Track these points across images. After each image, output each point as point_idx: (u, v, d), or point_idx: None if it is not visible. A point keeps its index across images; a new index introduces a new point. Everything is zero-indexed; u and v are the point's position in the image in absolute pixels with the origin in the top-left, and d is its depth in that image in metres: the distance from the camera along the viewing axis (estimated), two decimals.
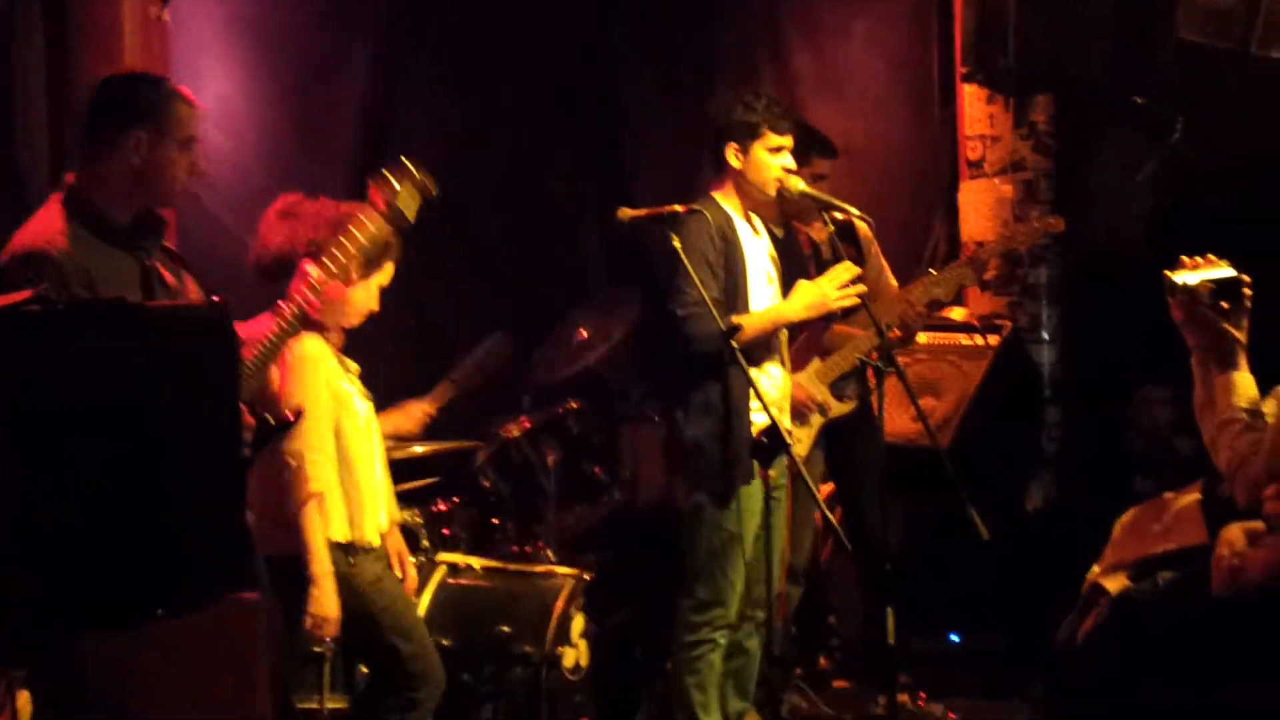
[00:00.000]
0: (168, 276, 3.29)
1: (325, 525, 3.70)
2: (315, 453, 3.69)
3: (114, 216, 3.23)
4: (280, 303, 3.32)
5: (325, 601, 3.67)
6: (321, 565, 3.67)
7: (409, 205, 3.35)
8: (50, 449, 2.45)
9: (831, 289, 4.25)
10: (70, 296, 2.79)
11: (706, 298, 4.03)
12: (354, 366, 3.95)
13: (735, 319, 4.15)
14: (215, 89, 5.86)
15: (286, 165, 6.07)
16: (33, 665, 2.61)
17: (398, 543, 4.06)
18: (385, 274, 3.87)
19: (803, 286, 4.29)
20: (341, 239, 3.31)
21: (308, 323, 3.48)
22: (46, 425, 2.45)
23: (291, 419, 3.14)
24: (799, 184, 4.32)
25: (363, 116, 6.21)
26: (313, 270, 3.33)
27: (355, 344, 4.54)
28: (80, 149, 3.26)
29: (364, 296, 3.84)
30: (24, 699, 2.83)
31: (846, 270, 4.26)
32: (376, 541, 3.86)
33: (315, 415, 3.68)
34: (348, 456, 3.78)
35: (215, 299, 3.48)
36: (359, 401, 3.86)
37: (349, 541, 3.77)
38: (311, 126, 6.10)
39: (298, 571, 3.66)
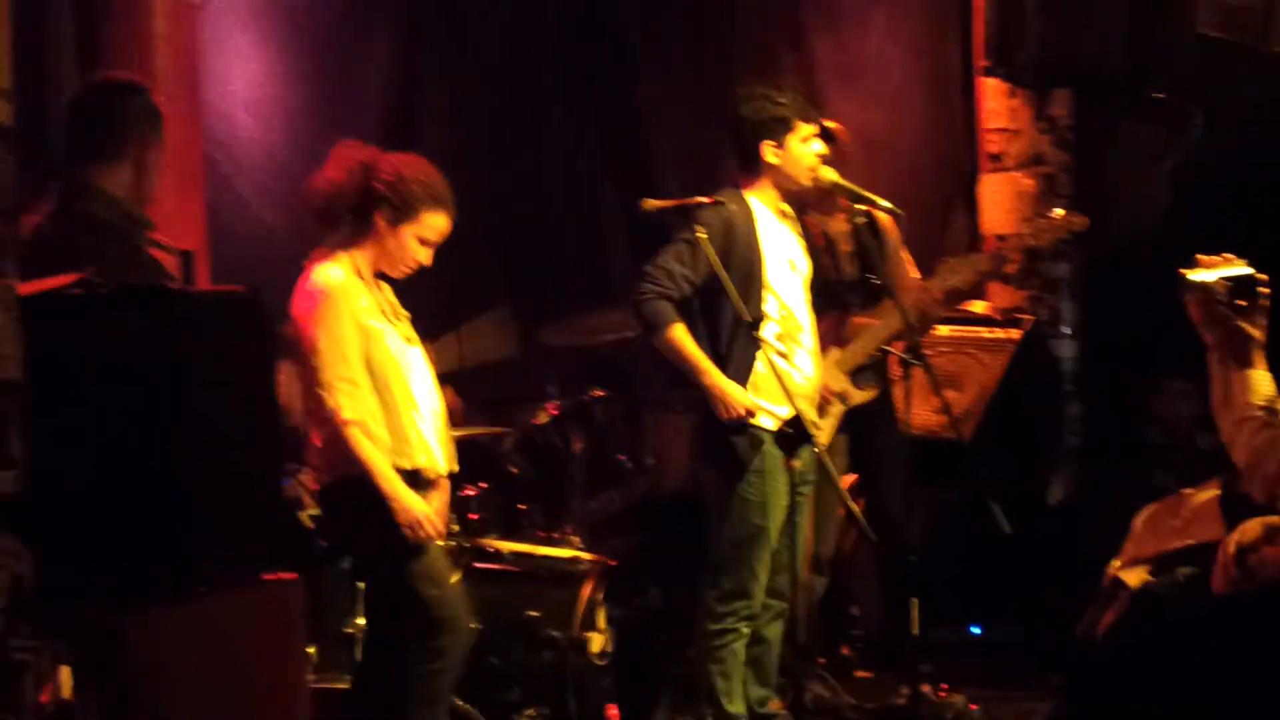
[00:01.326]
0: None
1: (378, 447, 3.69)
2: (344, 382, 3.68)
3: (140, 211, 3.34)
4: None
5: (408, 504, 3.67)
6: (387, 479, 3.67)
7: None
8: (94, 430, 2.51)
9: (741, 402, 4.22)
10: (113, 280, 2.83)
11: (689, 277, 4.13)
12: (403, 313, 3.94)
13: (671, 329, 4.21)
14: (243, 71, 5.90)
15: (313, 146, 6.10)
16: (75, 639, 2.66)
17: (440, 501, 3.94)
18: (423, 227, 3.84)
19: (730, 389, 4.24)
20: None
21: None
22: (90, 406, 2.51)
23: None
24: (831, 174, 4.36)
25: (388, 98, 6.23)
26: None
27: None
28: (84, 154, 3.36)
29: (398, 246, 3.84)
30: (65, 672, 2.88)
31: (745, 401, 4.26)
32: (426, 468, 3.81)
33: (340, 346, 3.68)
34: (386, 391, 3.75)
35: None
36: (396, 341, 3.82)
37: (398, 469, 3.74)
38: (338, 108, 6.12)
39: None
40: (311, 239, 5.21)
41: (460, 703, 4.38)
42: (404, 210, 3.79)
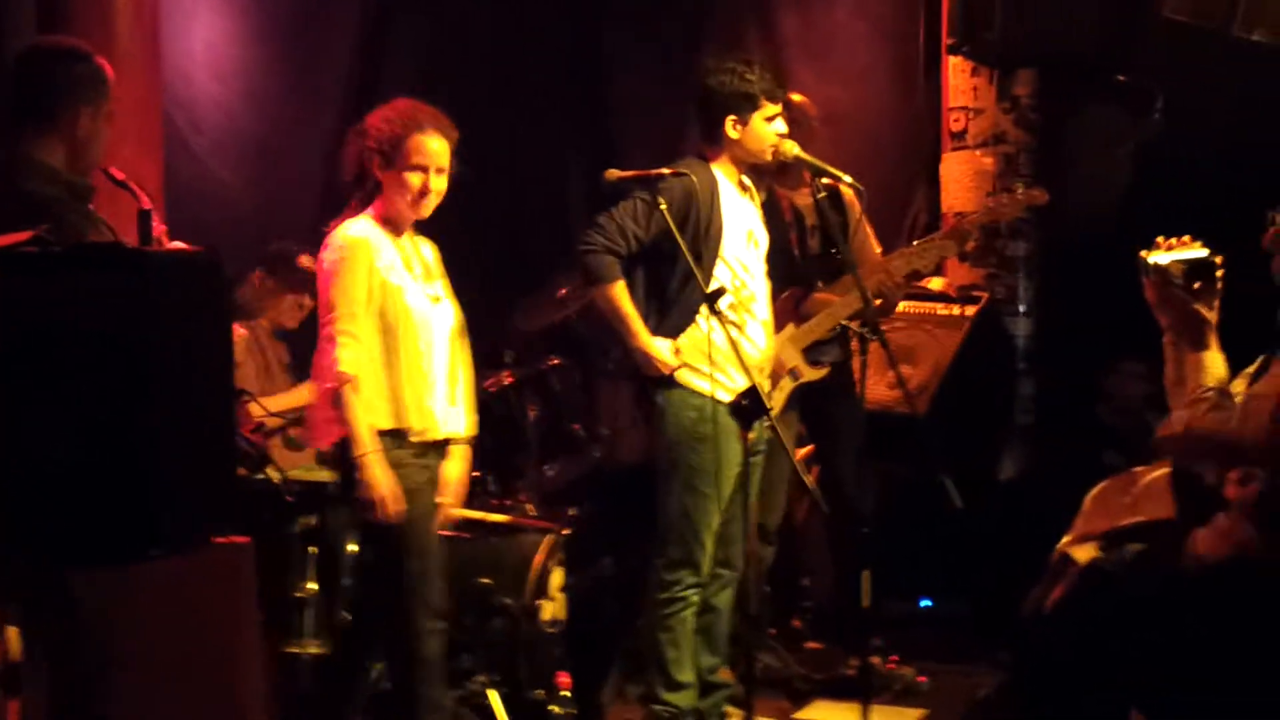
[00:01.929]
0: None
1: (364, 409, 3.68)
2: (348, 336, 3.69)
3: (77, 178, 3.27)
4: None
5: (373, 481, 3.65)
6: (362, 446, 3.65)
7: None
8: (44, 387, 2.48)
9: (668, 362, 4.26)
10: (67, 238, 2.80)
11: (637, 234, 4.17)
12: (437, 271, 3.94)
13: (612, 285, 4.24)
14: (204, 34, 5.86)
15: (275, 110, 6.08)
16: (24, 600, 2.65)
17: (456, 469, 3.95)
18: (411, 157, 3.80)
19: (656, 351, 4.28)
20: None
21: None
22: (41, 363, 2.48)
23: None
24: (794, 149, 4.37)
25: (352, 62, 6.20)
26: None
27: None
28: (17, 121, 3.27)
29: (398, 185, 3.82)
30: (13, 634, 2.86)
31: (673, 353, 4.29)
32: (426, 434, 3.79)
33: (348, 300, 3.70)
34: (393, 347, 3.75)
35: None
36: (418, 298, 3.82)
37: (392, 429, 3.73)
38: (301, 71, 6.10)
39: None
40: (270, 200, 5.19)
41: None
42: (390, 152, 3.80)
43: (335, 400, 3.68)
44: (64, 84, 3.26)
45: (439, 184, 3.84)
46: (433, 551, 3.83)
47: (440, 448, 3.89)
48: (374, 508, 3.67)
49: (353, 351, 3.69)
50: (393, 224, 3.87)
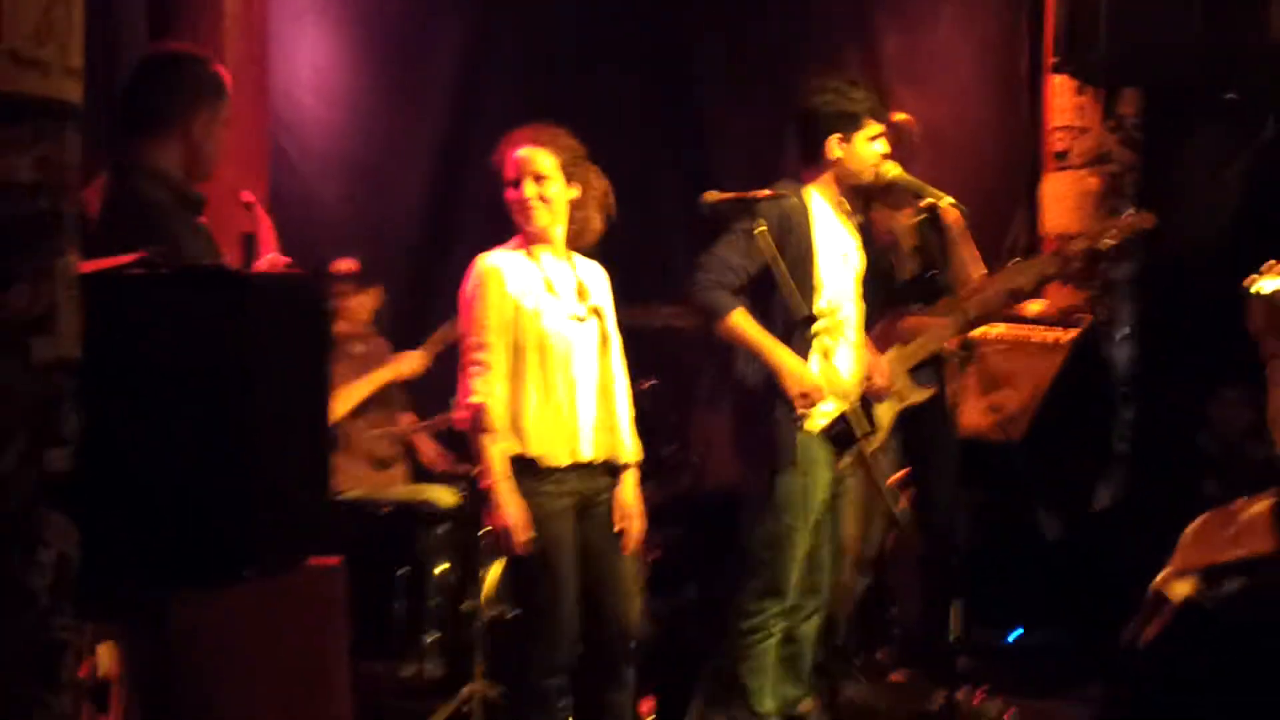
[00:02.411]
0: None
1: (498, 436, 3.73)
2: (480, 366, 3.77)
3: (189, 187, 3.28)
4: None
5: (500, 512, 3.69)
6: (489, 475, 3.71)
7: None
8: (145, 409, 2.52)
9: (813, 381, 4.17)
10: (176, 260, 2.84)
11: (746, 268, 4.10)
12: (589, 291, 3.95)
13: (731, 316, 4.17)
14: (311, 58, 5.94)
15: (380, 133, 6.16)
16: (118, 620, 2.69)
17: (626, 493, 3.94)
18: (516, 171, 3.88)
19: (800, 368, 4.19)
20: None
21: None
22: (143, 385, 2.52)
23: None
24: (895, 169, 4.33)
25: (452, 91, 6.26)
26: None
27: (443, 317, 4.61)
28: (131, 128, 3.29)
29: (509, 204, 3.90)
30: (104, 650, 2.91)
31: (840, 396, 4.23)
32: (556, 460, 3.80)
33: (480, 329, 3.78)
34: (523, 373, 3.79)
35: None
36: (557, 320, 3.84)
37: (522, 456, 3.77)
38: (402, 99, 6.17)
39: None
40: (374, 222, 5.24)
41: (496, 693, 4.40)
42: (497, 175, 3.89)
43: (466, 427, 3.78)
44: (179, 86, 3.26)
45: (533, 190, 3.85)
46: (563, 580, 3.80)
47: (592, 471, 3.88)
48: (503, 537, 3.71)
49: (484, 380, 3.75)
50: (531, 245, 3.91)
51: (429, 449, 5.33)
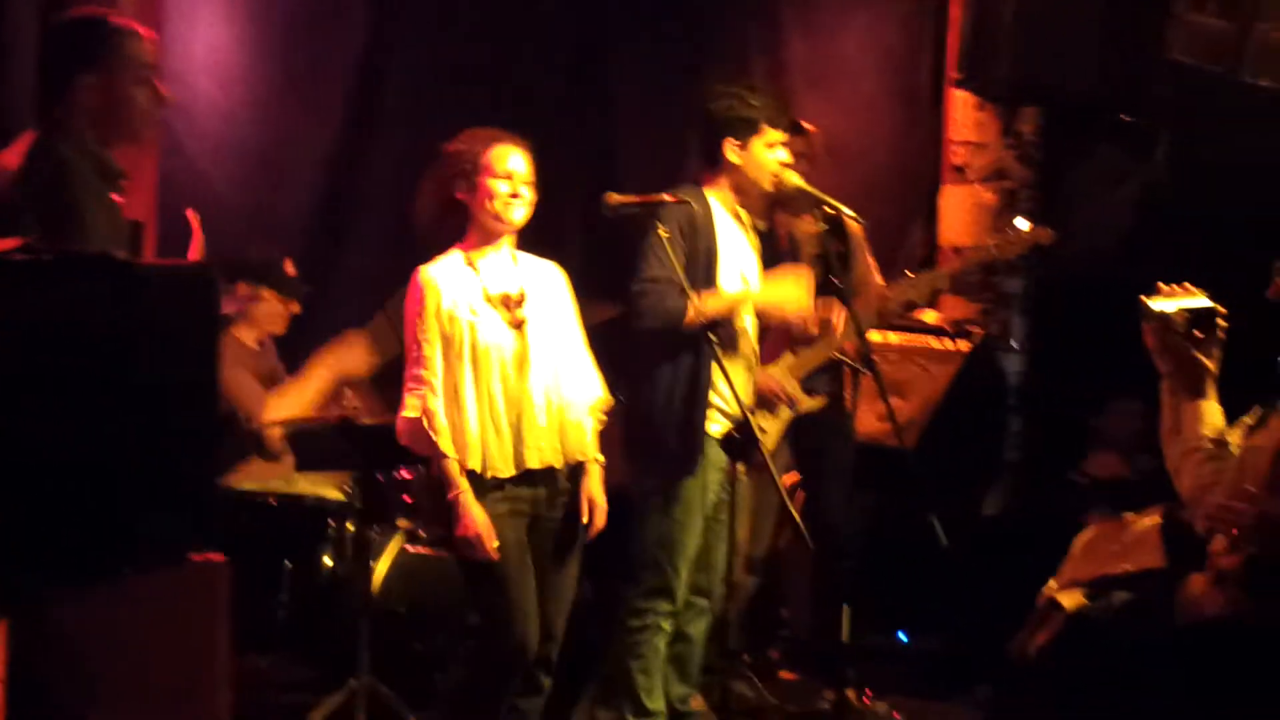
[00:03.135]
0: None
1: (449, 448, 3.71)
2: (420, 383, 3.74)
3: (105, 154, 3.22)
4: None
5: (466, 521, 3.68)
6: (452, 487, 3.69)
7: None
8: (22, 399, 2.43)
9: (802, 300, 4.23)
10: (55, 245, 2.75)
11: (674, 277, 4.03)
12: (515, 293, 3.89)
13: (691, 304, 4.12)
14: (207, 37, 5.82)
15: (277, 115, 6.04)
16: (1, 617, 2.60)
17: (592, 487, 3.94)
18: (490, 170, 3.84)
19: (778, 283, 4.26)
20: None
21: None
22: (20, 374, 2.44)
23: None
24: (795, 179, 4.33)
25: (354, 69, 6.16)
26: None
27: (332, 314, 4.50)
28: (40, 98, 3.27)
29: (484, 200, 3.85)
30: None
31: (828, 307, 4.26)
32: (494, 474, 3.78)
33: (419, 344, 3.75)
34: (461, 386, 3.76)
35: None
36: (493, 330, 3.81)
37: (469, 468, 3.74)
38: (303, 77, 6.06)
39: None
40: (264, 209, 5.13)
41: (381, 687, 4.36)
42: (470, 171, 3.83)
43: (414, 439, 3.75)
44: (74, 50, 3.21)
45: (528, 193, 3.86)
46: (509, 593, 3.79)
47: (543, 478, 3.85)
48: (471, 547, 3.69)
49: (420, 397, 3.73)
50: (482, 249, 3.87)
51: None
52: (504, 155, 3.85)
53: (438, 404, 3.73)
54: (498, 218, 3.84)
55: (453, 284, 3.81)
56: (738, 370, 4.32)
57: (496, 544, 3.71)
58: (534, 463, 3.83)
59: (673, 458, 4.22)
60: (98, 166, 3.17)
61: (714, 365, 4.09)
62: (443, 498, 3.71)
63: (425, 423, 3.71)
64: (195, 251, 3.38)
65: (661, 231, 4.03)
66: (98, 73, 3.19)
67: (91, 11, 3.40)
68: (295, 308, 5.18)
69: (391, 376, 4.25)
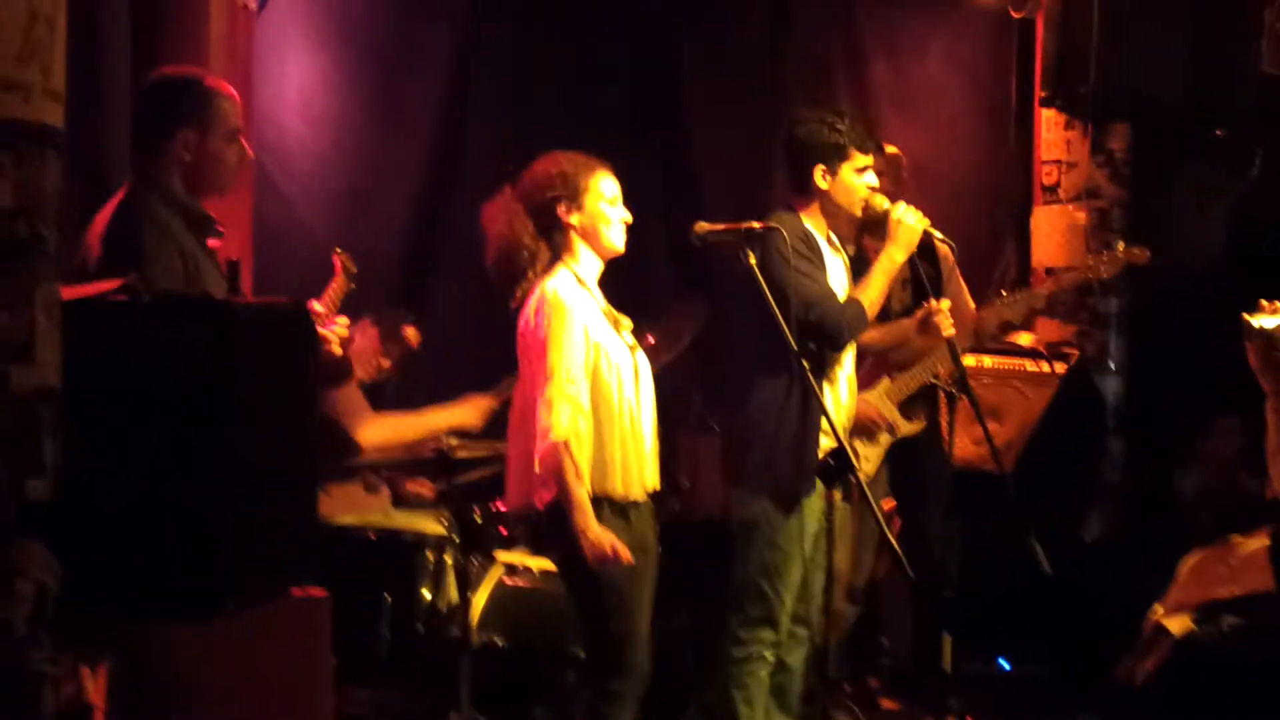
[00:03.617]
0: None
1: (579, 474, 3.66)
2: (566, 400, 3.65)
3: (194, 204, 3.33)
4: None
5: (595, 537, 3.63)
6: (579, 508, 3.63)
7: None
8: (126, 438, 2.48)
9: (912, 215, 4.22)
10: (156, 288, 2.81)
11: (828, 289, 4.06)
12: (625, 321, 3.92)
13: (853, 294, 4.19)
14: (298, 79, 5.92)
15: (365, 156, 6.13)
16: (99, 651, 2.64)
17: (643, 523, 3.91)
18: (597, 192, 3.84)
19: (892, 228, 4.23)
20: None
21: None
22: (124, 414, 2.48)
23: None
24: (884, 203, 4.31)
25: (441, 110, 6.24)
26: None
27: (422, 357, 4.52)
28: (133, 152, 3.42)
29: (595, 231, 3.85)
30: (86, 676, 2.86)
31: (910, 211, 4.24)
32: (631, 496, 3.78)
33: (568, 361, 3.67)
34: (600, 406, 3.73)
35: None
36: (619, 353, 3.80)
37: (594, 495, 3.71)
38: (391, 119, 6.14)
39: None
40: (356, 247, 5.17)
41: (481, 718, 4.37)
42: (576, 192, 3.81)
43: (548, 462, 3.66)
44: (167, 108, 3.34)
45: (628, 217, 3.89)
46: (642, 614, 3.81)
47: (642, 505, 3.86)
48: (603, 562, 3.66)
49: (571, 417, 3.66)
50: (589, 274, 3.87)
51: (414, 483, 5.27)
52: (609, 180, 3.87)
53: (582, 427, 3.69)
54: (609, 241, 3.86)
55: (585, 304, 3.78)
56: (835, 395, 4.30)
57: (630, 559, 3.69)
58: (652, 486, 3.86)
59: (787, 481, 4.17)
60: (186, 215, 3.28)
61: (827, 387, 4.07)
62: (566, 521, 3.66)
63: (572, 444, 3.65)
64: (334, 292, 3.44)
65: (750, 257, 3.98)
66: (193, 130, 3.32)
67: (188, 71, 3.55)
68: (387, 364, 5.21)
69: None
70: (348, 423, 4.70)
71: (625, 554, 3.67)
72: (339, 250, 3.99)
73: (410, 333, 5.17)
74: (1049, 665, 5.54)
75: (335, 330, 3.69)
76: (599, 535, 3.66)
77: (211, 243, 3.37)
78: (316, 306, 3.71)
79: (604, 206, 3.85)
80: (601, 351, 3.75)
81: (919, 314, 4.42)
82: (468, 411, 4.58)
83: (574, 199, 3.82)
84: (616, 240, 3.88)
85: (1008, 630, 5.58)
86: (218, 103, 3.37)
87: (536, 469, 3.69)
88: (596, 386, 3.73)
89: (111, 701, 2.68)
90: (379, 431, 4.83)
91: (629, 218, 3.90)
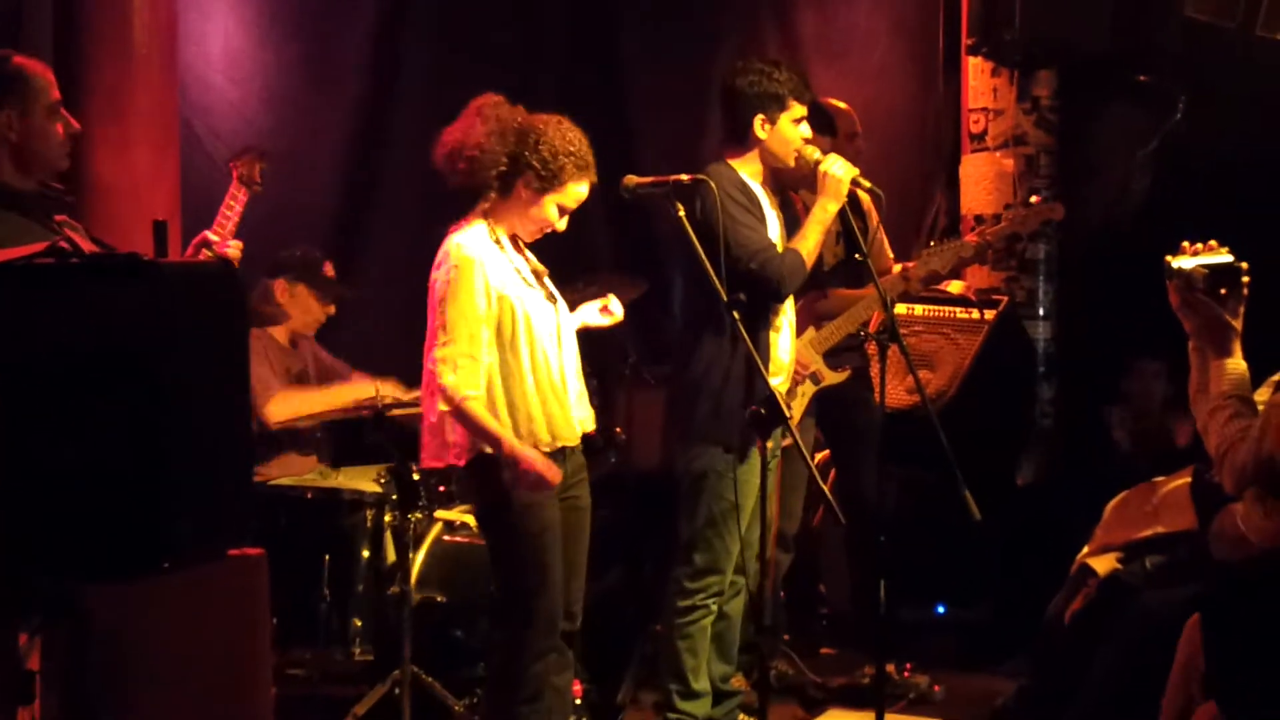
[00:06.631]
0: (86, 246, 3.29)
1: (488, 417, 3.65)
2: (464, 358, 3.64)
3: (16, 185, 3.28)
4: None
5: (524, 457, 3.61)
6: (505, 439, 3.62)
7: None
8: (58, 400, 2.47)
9: (838, 163, 4.26)
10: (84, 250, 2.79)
11: (767, 239, 4.06)
12: (543, 270, 3.90)
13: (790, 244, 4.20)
14: (222, 37, 5.84)
15: (292, 113, 6.06)
16: (39, 612, 2.63)
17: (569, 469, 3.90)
18: (566, 196, 3.81)
19: (821, 179, 4.27)
20: None
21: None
22: (55, 376, 2.47)
23: None
24: (816, 153, 4.33)
25: (368, 64, 6.18)
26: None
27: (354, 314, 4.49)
28: None
29: (539, 213, 3.82)
30: (24, 642, 2.85)
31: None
32: (559, 443, 3.78)
33: (465, 321, 3.65)
34: (516, 363, 3.72)
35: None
36: (535, 306, 3.78)
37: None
38: (318, 74, 6.08)
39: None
40: (287, 205, 5.12)
41: (424, 676, 4.39)
42: (550, 180, 3.77)
43: (458, 418, 3.66)
44: None
45: (563, 226, 3.88)
46: (554, 563, 3.79)
47: (570, 451, 3.86)
48: (537, 484, 3.65)
49: (470, 373, 3.65)
50: (507, 235, 3.85)
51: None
52: (580, 194, 3.85)
53: (482, 382, 3.67)
54: (534, 232, 3.87)
55: (492, 259, 3.76)
56: (777, 343, 4.33)
57: (558, 472, 3.69)
58: (585, 430, 3.86)
59: (739, 432, 4.16)
60: (20, 206, 3.22)
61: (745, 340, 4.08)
62: (488, 473, 3.67)
63: (479, 399, 3.64)
64: (229, 212, 3.39)
65: (680, 209, 3.99)
66: (13, 110, 3.28)
67: None
68: (330, 309, 5.18)
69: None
70: (253, 395, 4.68)
71: (556, 472, 3.67)
72: (234, 161, 3.90)
73: (329, 269, 5.16)
74: (985, 610, 5.63)
75: (229, 253, 3.64)
76: (530, 455, 3.65)
77: (60, 218, 3.32)
78: (210, 236, 3.65)
79: (556, 207, 3.82)
80: (508, 303, 3.72)
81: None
82: (381, 384, 4.64)
83: (545, 185, 3.78)
84: (534, 235, 3.88)
85: (944, 576, 5.66)
86: (31, 79, 3.32)
87: (449, 436, 3.70)
88: (512, 339, 3.72)
89: (48, 664, 2.67)
90: (287, 405, 4.83)
91: (561, 228, 3.88)
